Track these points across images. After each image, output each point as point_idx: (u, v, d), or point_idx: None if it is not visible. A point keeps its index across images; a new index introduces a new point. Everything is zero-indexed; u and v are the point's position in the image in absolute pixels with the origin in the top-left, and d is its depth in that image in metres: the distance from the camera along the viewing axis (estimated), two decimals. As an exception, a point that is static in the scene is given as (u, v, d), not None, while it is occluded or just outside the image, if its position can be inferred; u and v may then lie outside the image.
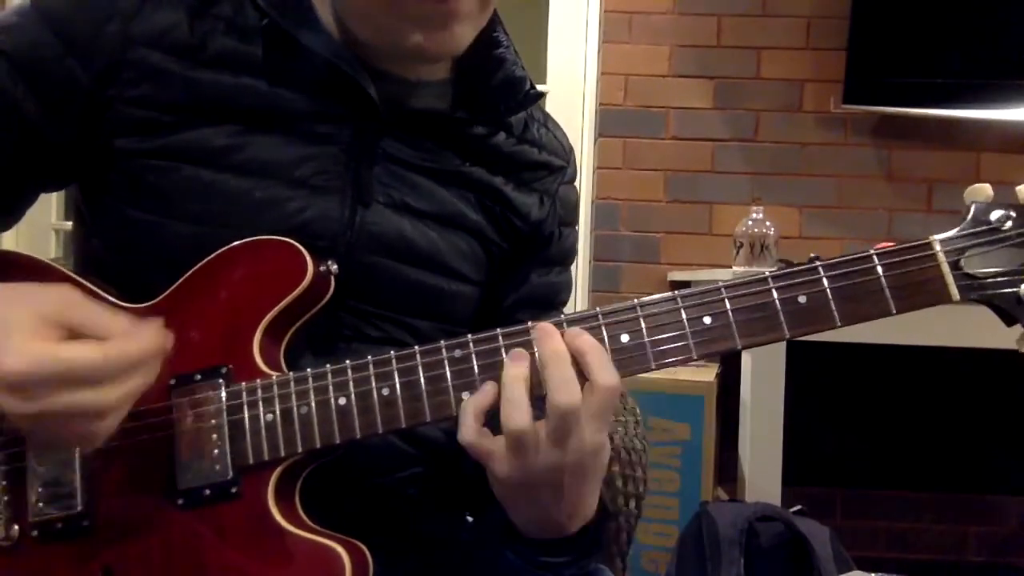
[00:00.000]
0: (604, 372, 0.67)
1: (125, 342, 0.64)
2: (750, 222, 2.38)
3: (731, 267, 2.35)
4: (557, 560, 0.75)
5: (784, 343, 1.97)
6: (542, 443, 0.67)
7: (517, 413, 0.67)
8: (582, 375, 0.68)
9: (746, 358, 2.09)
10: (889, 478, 2.73)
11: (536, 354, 0.69)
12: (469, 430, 0.68)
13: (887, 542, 2.73)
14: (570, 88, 2.73)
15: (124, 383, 0.64)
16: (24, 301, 0.64)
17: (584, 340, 0.69)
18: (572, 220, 1.01)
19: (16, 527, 0.74)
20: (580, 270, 2.70)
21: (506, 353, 0.70)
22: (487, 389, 0.69)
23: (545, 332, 0.69)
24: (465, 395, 0.70)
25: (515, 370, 0.68)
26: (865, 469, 2.73)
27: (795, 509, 1.97)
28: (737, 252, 2.37)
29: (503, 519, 0.75)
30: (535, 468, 0.68)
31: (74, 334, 0.64)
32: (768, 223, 2.37)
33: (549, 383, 0.67)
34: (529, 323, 0.71)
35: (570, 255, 1.02)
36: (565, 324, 0.70)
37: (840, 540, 1.93)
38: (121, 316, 0.66)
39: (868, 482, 2.73)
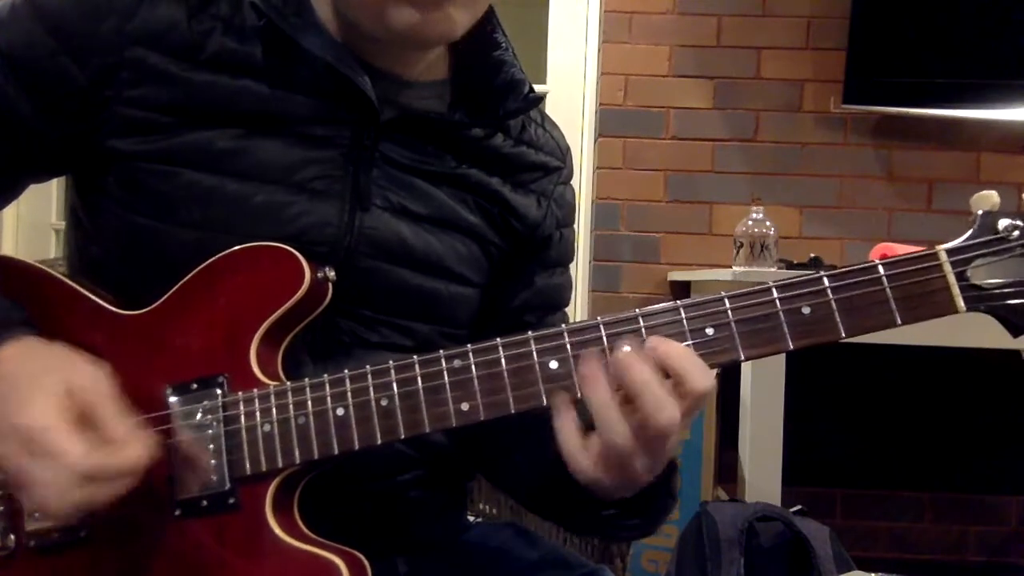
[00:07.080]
0: (701, 377, 0.66)
1: (105, 455, 0.66)
2: (750, 222, 2.37)
3: (731, 267, 2.34)
4: (633, 523, 0.78)
5: (784, 344, 1.97)
6: (639, 453, 0.67)
7: (616, 435, 0.66)
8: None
9: (746, 358, 2.08)
10: (889, 478, 2.73)
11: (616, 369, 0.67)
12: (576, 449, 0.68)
13: (887, 542, 2.73)
14: (570, 88, 2.73)
15: (84, 488, 0.65)
16: (61, 369, 0.69)
17: (670, 348, 0.67)
18: (569, 221, 1.01)
19: (12, 537, 0.74)
20: (580, 270, 2.69)
21: (505, 363, 0.69)
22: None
23: (625, 364, 0.66)
24: (464, 406, 0.69)
25: (602, 396, 0.67)
26: (865, 469, 2.72)
27: (795, 509, 1.97)
28: (737, 252, 2.36)
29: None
30: (631, 470, 0.68)
31: (83, 415, 0.67)
32: (768, 223, 2.36)
33: (644, 407, 0.65)
34: (607, 345, 0.69)
35: (569, 255, 1.02)
36: (644, 331, 0.68)
37: (840, 540, 1.93)
38: (124, 423, 0.68)
39: (868, 482, 2.73)
